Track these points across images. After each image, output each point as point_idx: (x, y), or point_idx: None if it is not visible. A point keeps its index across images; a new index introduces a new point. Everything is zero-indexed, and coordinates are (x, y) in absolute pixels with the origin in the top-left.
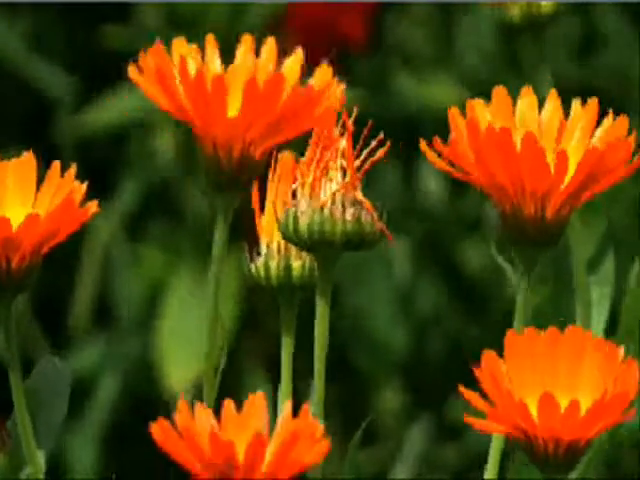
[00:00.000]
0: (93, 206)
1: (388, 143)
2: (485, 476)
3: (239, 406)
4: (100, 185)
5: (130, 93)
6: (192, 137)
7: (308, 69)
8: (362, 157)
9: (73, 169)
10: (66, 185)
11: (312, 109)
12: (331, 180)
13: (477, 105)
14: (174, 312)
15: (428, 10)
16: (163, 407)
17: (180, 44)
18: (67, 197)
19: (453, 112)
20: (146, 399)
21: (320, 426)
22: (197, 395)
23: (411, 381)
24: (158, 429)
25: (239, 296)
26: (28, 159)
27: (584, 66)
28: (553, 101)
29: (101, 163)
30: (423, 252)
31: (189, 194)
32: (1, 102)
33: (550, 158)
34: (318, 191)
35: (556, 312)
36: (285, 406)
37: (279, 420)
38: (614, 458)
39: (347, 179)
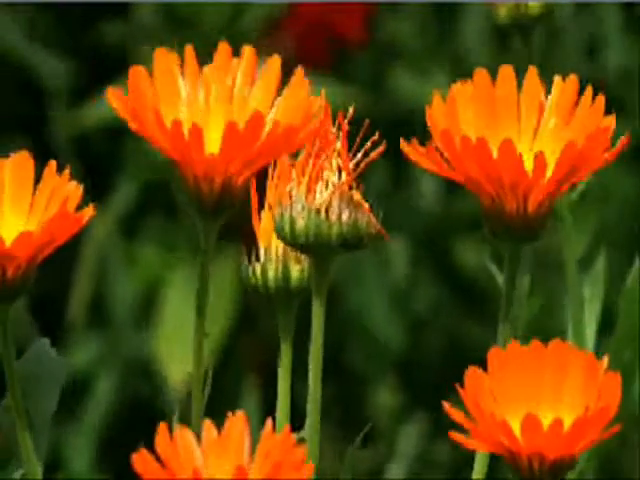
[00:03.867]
0: (89, 211)
1: (384, 143)
2: (473, 476)
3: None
4: (96, 182)
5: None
6: None
7: (305, 69)
8: (357, 158)
9: (68, 170)
10: (62, 188)
11: (293, 139)
12: (327, 181)
13: (458, 94)
14: (171, 310)
15: (423, 8)
16: (160, 405)
17: (163, 56)
18: (62, 207)
19: (430, 112)
20: (143, 397)
21: (303, 450)
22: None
23: (407, 380)
24: (139, 460)
25: (235, 298)
26: (25, 158)
27: (584, 66)
28: (533, 81)
29: (97, 160)
30: (420, 251)
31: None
32: None
33: (527, 149)
34: (314, 192)
35: (550, 321)
36: (265, 427)
37: (260, 444)
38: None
39: (343, 179)
